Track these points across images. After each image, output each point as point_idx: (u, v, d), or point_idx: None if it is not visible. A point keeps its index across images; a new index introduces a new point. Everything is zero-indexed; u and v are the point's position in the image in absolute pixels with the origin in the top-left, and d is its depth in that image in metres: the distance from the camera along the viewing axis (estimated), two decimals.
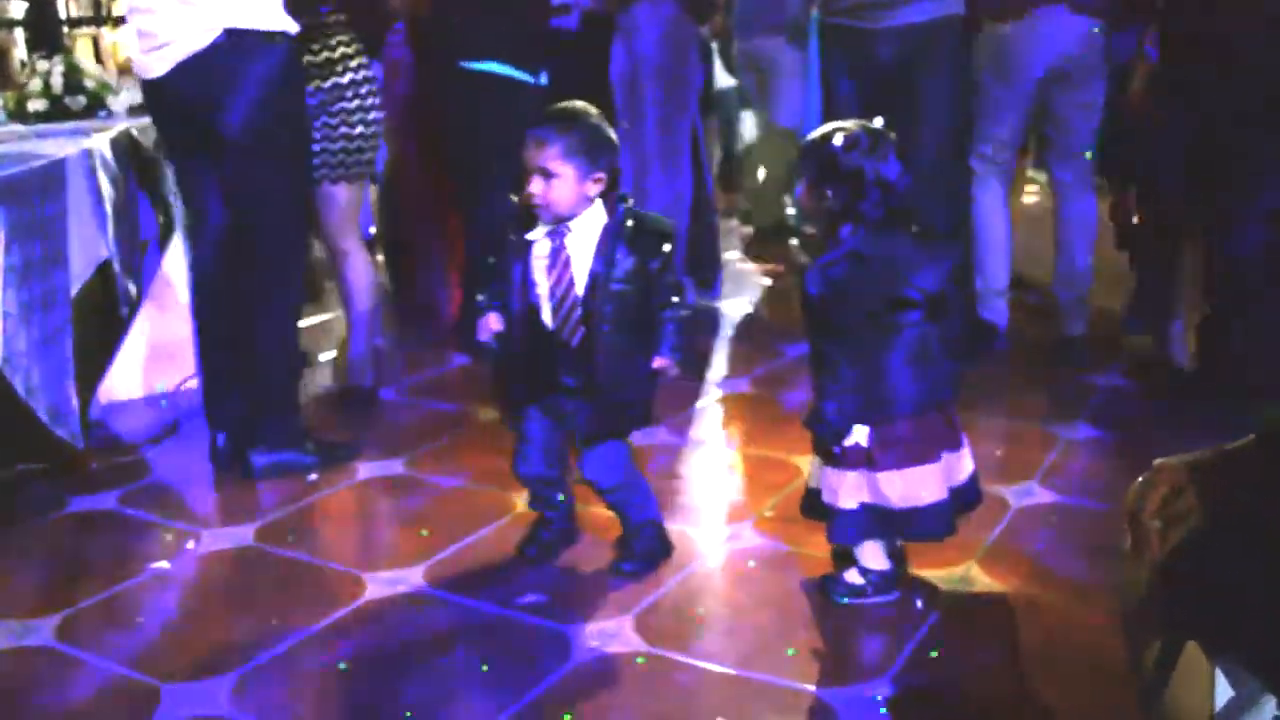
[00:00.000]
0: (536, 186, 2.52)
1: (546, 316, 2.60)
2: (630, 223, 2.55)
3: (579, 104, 2.61)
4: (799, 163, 2.56)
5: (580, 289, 2.55)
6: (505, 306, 2.62)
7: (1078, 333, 4.19)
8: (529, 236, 2.59)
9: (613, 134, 2.60)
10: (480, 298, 2.66)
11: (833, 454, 2.51)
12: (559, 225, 2.56)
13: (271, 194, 3.25)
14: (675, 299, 2.60)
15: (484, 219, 4.13)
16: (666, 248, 2.57)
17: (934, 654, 2.39)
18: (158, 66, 3.18)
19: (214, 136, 3.17)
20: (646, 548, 2.77)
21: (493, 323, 2.62)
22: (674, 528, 2.94)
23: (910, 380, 2.46)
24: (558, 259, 2.57)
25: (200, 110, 3.15)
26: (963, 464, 2.58)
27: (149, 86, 3.27)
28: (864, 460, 2.48)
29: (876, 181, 2.45)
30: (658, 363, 2.60)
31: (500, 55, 4.12)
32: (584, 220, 2.56)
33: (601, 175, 2.54)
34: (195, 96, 3.15)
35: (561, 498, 2.83)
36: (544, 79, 4.19)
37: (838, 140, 2.48)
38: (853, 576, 2.60)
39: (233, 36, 3.10)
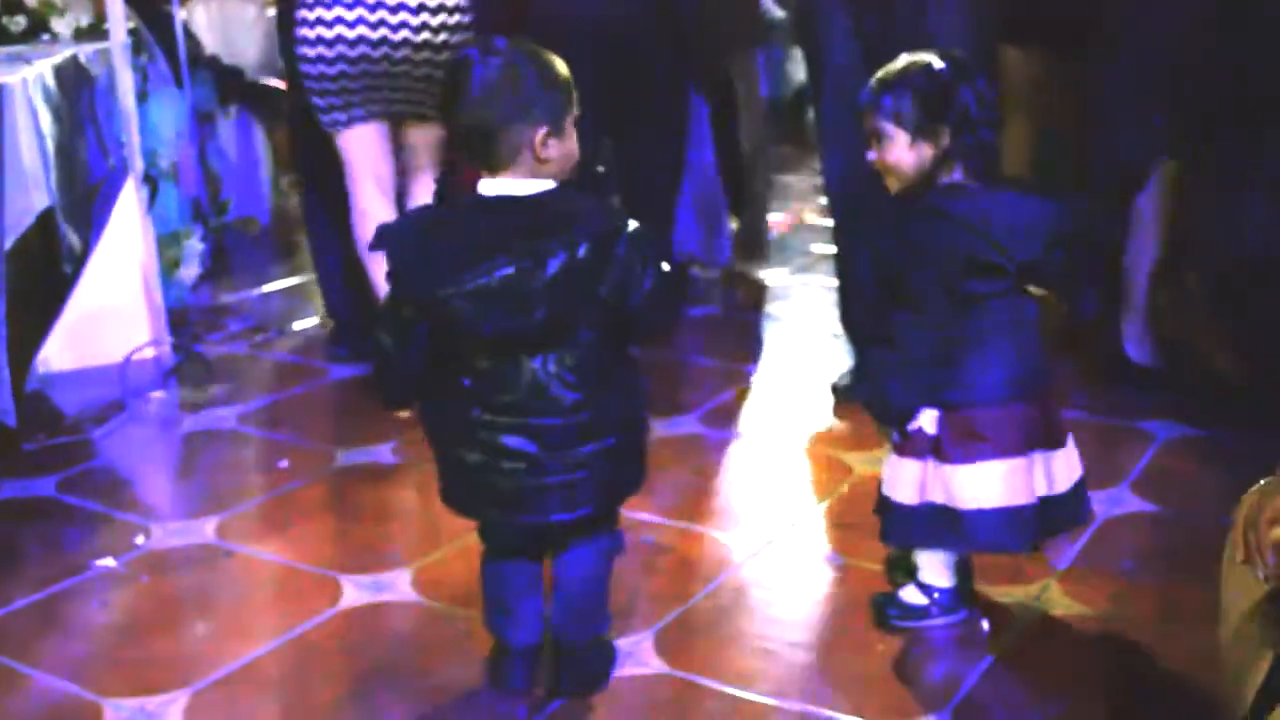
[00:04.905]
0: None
1: None
2: None
3: None
4: (893, 101, 2.41)
5: None
6: None
7: None
8: None
9: None
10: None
11: (894, 439, 2.49)
12: None
13: None
14: None
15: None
16: None
17: (1002, 686, 2.38)
18: None
19: None
20: None
21: None
22: (704, 532, 2.94)
23: (994, 361, 2.41)
24: None
25: None
26: (1064, 468, 2.53)
27: None
28: (931, 449, 2.45)
29: (982, 118, 2.39)
30: None
31: None
32: None
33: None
34: None
35: None
36: None
37: (945, 67, 2.40)
38: (910, 595, 2.59)
39: None
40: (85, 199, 3.76)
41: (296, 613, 2.66)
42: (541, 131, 2.16)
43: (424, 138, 3.72)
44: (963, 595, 2.60)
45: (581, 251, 2.12)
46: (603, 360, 2.23)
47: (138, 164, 3.99)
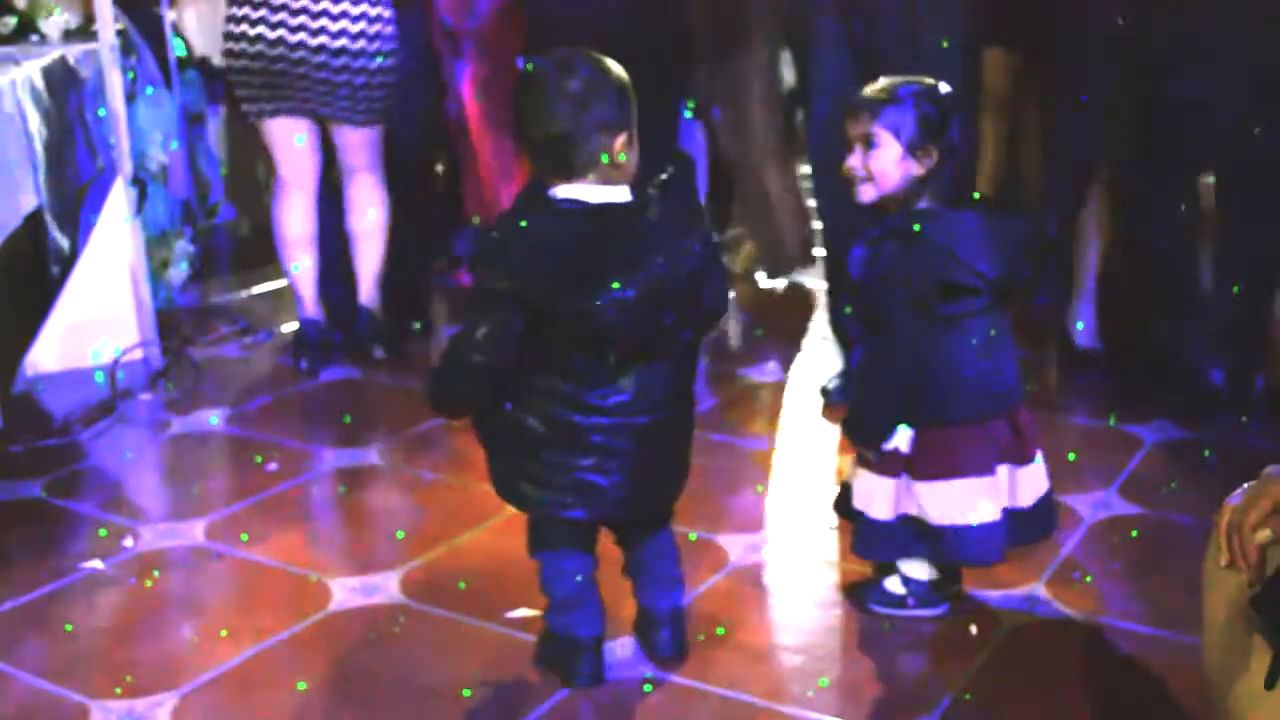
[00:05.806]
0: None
1: None
2: None
3: None
4: (896, 112, 2.44)
5: None
6: None
7: None
8: None
9: None
10: None
11: (868, 457, 2.51)
12: None
13: None
14: None
15: None
16: None
17: (990, 689, 2.39)
18: None
19: None
20: None
21: None
22: (696, 535, 2.94)
23: (968, 381, 2.44)
24: None
25: None
26: (1030, 483, 2.54)
27: None
28: (904, 467, 2.47)
29: (961, 150, 2.48)
30: None
31: None
32: None
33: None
34: None
35: None
36: None
37: (947, 93, 2.46)
38: (893, 584, 2.62)
39: None
40: (74, 200, 3.75)
41: (285, 615, 2.66)
42: (622, 138, 2.20)
43: (354, 139, 4.05)
44: (946, 593, 2.62)
45: (700, 254, 2.20)
46: (691, 357, 2.32)
47: (126, 165, 3.98)
